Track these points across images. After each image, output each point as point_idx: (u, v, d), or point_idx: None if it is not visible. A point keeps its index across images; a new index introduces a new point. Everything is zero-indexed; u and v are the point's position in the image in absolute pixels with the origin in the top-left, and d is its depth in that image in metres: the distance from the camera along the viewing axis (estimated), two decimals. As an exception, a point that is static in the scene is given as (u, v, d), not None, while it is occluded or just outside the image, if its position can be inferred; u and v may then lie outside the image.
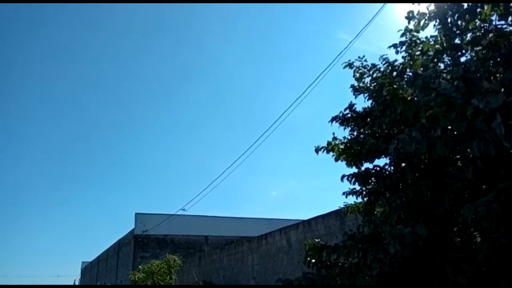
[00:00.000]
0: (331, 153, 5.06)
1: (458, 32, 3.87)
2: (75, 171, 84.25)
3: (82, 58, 67.99)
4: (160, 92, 72.62)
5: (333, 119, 5.13)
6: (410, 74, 4.36)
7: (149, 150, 76.44)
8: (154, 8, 58.11)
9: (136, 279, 17.97)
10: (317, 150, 5.19)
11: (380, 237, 3.88)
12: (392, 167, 4.58)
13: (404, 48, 4.41)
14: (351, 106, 5.06)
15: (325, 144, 5.10)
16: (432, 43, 4.17)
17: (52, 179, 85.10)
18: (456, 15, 3.56)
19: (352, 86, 5.16)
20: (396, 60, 4.66)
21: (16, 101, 71.80)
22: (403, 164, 4.35)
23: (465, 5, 3.47)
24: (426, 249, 3.01)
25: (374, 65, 4.82)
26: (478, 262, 2.90)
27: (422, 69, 3.83)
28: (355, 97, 5.16)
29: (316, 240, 4.85)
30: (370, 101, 4.95)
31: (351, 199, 5.29)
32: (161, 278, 17.80)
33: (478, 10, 3.35)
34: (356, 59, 4.99)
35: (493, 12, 3.42)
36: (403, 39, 4.38)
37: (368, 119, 4.85)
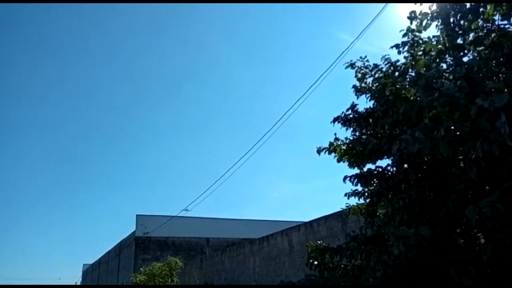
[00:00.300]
0: (333, 154, 5.03)
1: (460, 32, 3.85)
2: (76, 172, 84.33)
3: (83, 58, 68.16)
4: (161, 93, 72.74)
5: (335, 119, 5.10)
6: (413, 74, 4.34)
7: (150, 151, 76.51)
8: (156, 9, 58.31)
9: (138, 281, 17.94)
10: (319, 151, 5.16)
11: (383, 239, 3.85)
12: (394, 168, 4.55)
13: (406, 48, 4.39)
14: (353, 107, 5.04)
15: (327, 145, 5.08)
16: (434, 43, 4.15)
17: (53, 181, 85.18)
18: (459, 15, 3.54)
19: (354, 86, 5.14)
20: (398, 61, 4.64)
21: (17, 102, 71.99)
22: (406, 165, 4.33)
23: (468, 5, 3.46)
24: (430, 250, 2.99)
25: (376, 65, 4.81)
26: (483, 263, 2.87)
27: (424, 69, 3.81)
28: (357, 98, 5.14)
29: (318, 242, 4.82)
30: (372, 102, 4.93)
31: (353, 201, 5.26)
32: (163, 280, 17.76)
33: (481, 10, 3.34)
34: (358, 59, 4.98)
35: (495, 12, 3.40)
36: (405, 39, 4.36)
37: (370, 120, 4.82)
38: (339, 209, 9.96)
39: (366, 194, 4.93)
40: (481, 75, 3.23)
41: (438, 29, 4.07)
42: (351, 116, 5.08)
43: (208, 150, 72.26)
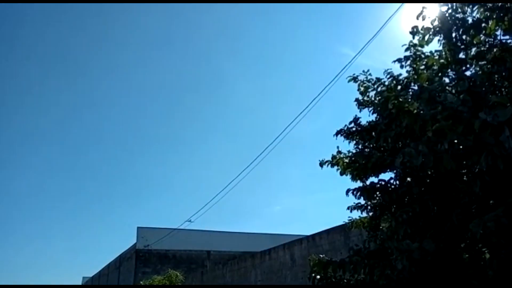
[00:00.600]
0: (335, 167, 5.03)
1: (462, 46, 3.89)
2: (76, 185, 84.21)
3: (84, 70, 68.84)
4: (162, 106, 73.14)
5: (338, 132, 5.12)
6: (415, 88, 4.36)
7: (151, 164, 76.49)
8: (159, 21, 59.03)
9: (138, 294, 17.74)
10: (321, 164, 5.16)
11: (386, 253, 3.82)
12: (397, 181, 4.54)
13: (408, 62, 4.42)
14: (356, 120, 5.06)
15: (329, 158, 5.08)
16: (436, 57, 4.19)
17: (52, 193, 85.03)
18: (461, 30, 3.58)
19: (357, 100, 5.17)
20: (400, 74, 4.67)
21: (19, 112, 72.46)
22: (409, 179, 4.32)
23: (470, 20, 3.50)
24: (434, 265, 2.96)
25: (378, 79, 4.84)
26: (488, 278, 2.84)
27: (427, 83, 3.84)
28: (360, 111, 5.16)
29: (321, 255, 4.78)
30: (375, 115, 4.95)
31: (356, 214, 5.23)
32: (163, 294, 17.57)
33: (483, 25, 3.38)
34: (361, 73, 5.02)
35: (497, 27, 3.44)
36: (408, 53, 4.40)
37: (373, 133, 4.83)
38: (341, 223, 9.90)
39: (369, 207, 4.91)
40: (483, 89, 3.24)
41: (440, 43, 4.11)
42: (354, 129, 5.10)
43: (210, 163, 72.23)
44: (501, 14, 3.44)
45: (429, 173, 3.96)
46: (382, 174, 4.67)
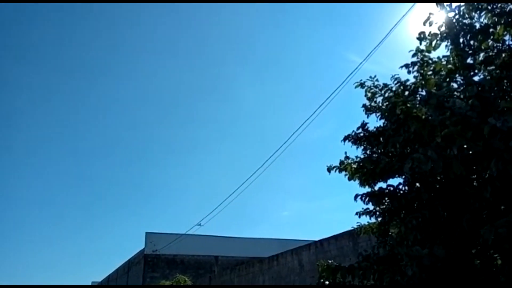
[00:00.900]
0: (343, 173, 5.03)
1: (470, 52, 3.89)
2: (86, 190, 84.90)
3: (96, 77, 69.66)
4: (169, 112, 73.60)
5: (346, 138, 5.12)
6: (423, 93, 4.36)
7: (159, 170, 76.86)
8: (168, 26, 59.58)
9: (146, 300, 17.77)
10: (329, 170, 5.16)
11: (396, 259, 3.80)
12: (406, 187, 4.52)
13: (416, 68, 4.43)
14: (363, 125, 5.06)
15: (337, 164, 5.08)
16: (444, 63, 4.19)
17: (62, 199, 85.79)
18: (468, 35, 3.58)
19: (364, 105, 5.17)
20: (407, 80, 4.68)
21: (35, 118, 73.47)
22: (418, 184, 4.30)
23: (477, 25, 3.50)
24: (445, 271, 2.94)
25: (386, 85, 4.84)
26: (500, 285, 2.81)
27: (435, 88, 3.84)
28: (367, 117, 5.17)
29: (329, 261, 4.76)
30: (382, 121, 4.95)
31: (364, 219, 5.22)
32: (171, 299, 17.58)
33: (491, 30, 3.38)
34: (368, 79, 5.03)
35: (506, 32, 3.44)
36: (415, 59, 4.41)
37: (381, 138, 4.83)
38: (350, 228, 9.85)
39: (378, 213, 4.90)
40: (492, 94, 3.23)
41: (448, 49, 4.11)
42: (361, 134, 5.10)
43: (217, 169, 72.31)
44: (510, 19, 3.44)
45: (438, 178, 3.94)
46: (391, 179, 4.66)
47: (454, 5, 3.86)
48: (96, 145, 76.74)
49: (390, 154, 4.64)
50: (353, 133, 5.11)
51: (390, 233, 4.71)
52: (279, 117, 66.66)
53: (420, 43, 4.12)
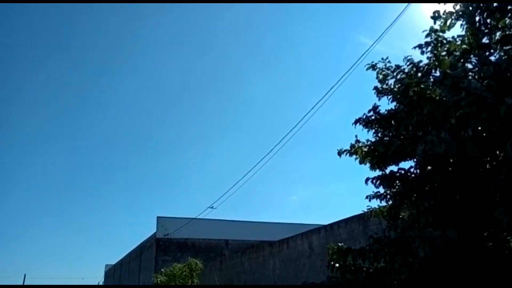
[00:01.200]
0: (354, 156, 5.00)
1: (486, 31, 3.77)
2: (98, 175, 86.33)
3: (106, 69, 69.84)
4: (180, 100, 73.70)
5: (357, 121, 5.07)
6: (436, 74, 4.27)
7: (172, 156, 77.57)
8: (177, 20, 59.16)
9: (159, 281, 18.18)
10: (340, 153, 5.14)
11: (407, 241, 3.80)
12: (417, 170, 4.48)
13: (429, 48, 4.32)
14: (375, 108, 4.99)
15: (347, 147, 5.05)
16: (459, 43, 4.07)
17: (75, 183, 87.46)
18: (485, 13, 3.47)
19: (376, 88, 5.09)
20: (421, 61, 4.58)
21: (46, 109, 74.34)
22: (430, 167, 4.25)
23: (495, 3, 3.38)
24: (457, 253, 2.93)
25: (398, 67, 4.75)
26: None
27: (450, 69, 3.75)
28: (379, 99, 5.09)
29: (340, 244, 4.79)
30: (394, 103, 4.87)
31: (375, 203, 5.21)
32: (183, 281, 17.92)
33: (509, 7, 3.26)
34: (380, 61, 4.93)
35: (524, 9, 3.32)
36: (428, 39, 4.29)
37: (393, 121, 4.77)
38: (360, 212, 9.85)
39: (388, 196, 4.88)
40: (509, 74, 3.15)
41: (463, 28, 3.99)
42: (373, 117, 5.03)
43: (227, 155, 72.65)
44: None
45: (451, 161, 3.89)
46: (402, 162, 4.61)
47: None
48: (110, 133, 77.60)
49: (402, 137, 4.58)
50: (364, 116, 5.06)
51: (400, 216, 4.70)
52: (289, 101, 66.30)
53: (434, 23, 4.01)
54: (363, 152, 4.82)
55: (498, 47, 3.76)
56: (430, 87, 3.33)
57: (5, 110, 72.08)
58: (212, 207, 21.82)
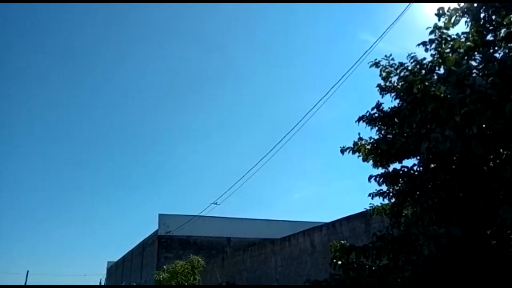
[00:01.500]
0: (357, 154, 4.99)
1: (491, 28, 3.75)
2: (100, 173, 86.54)
3: (102, 60, 69.87)
4: (183, 96, 73.71)
5: (360, 118, 5.06)
6: (440, 72, 4.25)
7: (173, 153, 77.69)
8: (173, 11, 59.10)
9: (161, 279, 18.23)
10: (342, 151, 5.13)
11: (410, 239, 3.79)
12: (421, 168, 4.47)
13: (433, 46, 4.30)
14: (378, 106, 4.98)
15: (350, 145, 5.04)
16: (463, 40, 4.05)
17: (77, 181, 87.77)
18: (491, 10, 3.44)
19: (379, 85, 5.08)
20: (424, 59, 4.56)
21: (46, 108, 74.46)
22: (433, 165, 4.24)
23: None
24: (461, 251, 2.93)
25: (401, 64, 4.73)
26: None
27: (454, 66, 3.73)
28: (382, 97, 5.08)
29: (342, 241, 4.78)
30: (397, 101, 4.86)
31: (377, 201, 5.20)
32: (185, 278, 17.98)
33: (514, 4, 3.24)
34: (383, 58, 4.91)
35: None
36: (432, 36, 4.28)
37: (396, 119, 4.76)
38: (362, 210, 9.84)
39: (391, 194, 4.87)
40: (514, 71, 3.13)
41: (467, 25, 3.97)
42: (376, 115, 5.02)
43: (230, 152, 72.72)
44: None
45: (455, 159, 3.88)
46: (406, 160, 4.60)
47: None
48: (112, 130, 77.68)
49: (405, 135, 4.58)
50: (368, 114, 5.05)
51: (403, 214, 4.70)
52: (291, 99, 66.19)
53: (439, 20, 3.99)
54: (366, 150, 4.81)
55: (503, 44, 3.73)
56: (434, 85, 3.32)
57: (5, 110, 72.29)
58: (216, 203, 21.87)
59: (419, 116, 3.71)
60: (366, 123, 5.07)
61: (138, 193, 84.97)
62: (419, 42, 4.40)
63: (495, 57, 3.52)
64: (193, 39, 64.20)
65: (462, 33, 4.11)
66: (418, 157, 4.45)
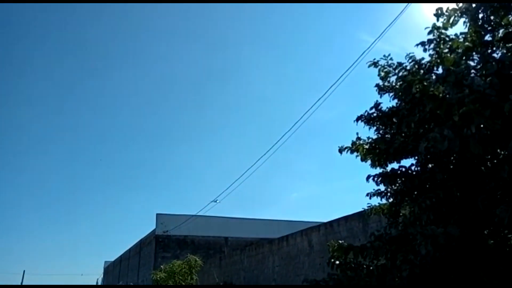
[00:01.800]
0: (355, 154, 4.99)
1: (489, 28, 3.76)
2: (97, 172, 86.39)
3: (104, 59, 69.79)
4: (181, 94, 73.67)
5: (359, 118, 5.06)
6: (439, 72, 4.26)
7: (170, 152, 77.63)
8: (176, 10, 59.04)
9: (158, 278, 18.20)
10: (341, 151, 5.13)
11: (408, 238, 3.80)
12: (419, 167, 4.48)
13: (432, 46, 4.31)
14: (377, 105, 4.99)
15: (348, 145, 5.04)
16: (461, 40, 4.06)
17: (74, 180, 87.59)
18: (489, 10, 3.45)
19: (377, 85, 5.08)
20: (423, 59, 4.57)
21: (46, 108, 74.30)
22: (431, 164, 4.25)
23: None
24: (459, 250, 2.93)
25: (400, 64, 4.74)
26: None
27: (453, 66, 3.74)
28: (380, 97, 5.08)
29: (340, 241, 4.78)
30: (396, 100, 4.87)
31: (375, 201, 5.20)
32: (182, 278, 17.97)
33: (513, 4, 3.25)
34: (382, 58, 4.92)
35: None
36: (431, 36, 4.29)
37: (394, 118, 4.76)
38: (360, 210, 9.85)
39: (389, 194, 4.87)
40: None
41: (466, 25, 3.98)
42: (374, 114, 5.03)
43: (227, 151, 72.72)
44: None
45: (452, 159, 3.89)
46: (404, 160, 4.61)
47: None
48: (109, 130, 77.56)
49: (403, 135, 4.58)
50: (366, 113, 5.05)
51: (401, 213, 4.70)
52: (289, 98, 66.26)
53: (437, 20, 4.00)
54: (365, 150, 4.82)
55: (501, 44, 3.74)
56: (433, 85, 3.32)
57: (5, 110, 72.08)
58: (216, 201, 21.83)
59: (418, 116, 3.72)
60: (365, 123, 5.08)
61: (136, 192, 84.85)
62: (418, 42, 4.42)
63: (494, 57, 3.53)
64: (193, 40, 64.17)
65: (461, 33, 4.12)
66: (416, 157, 4.46)
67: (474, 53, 3.95)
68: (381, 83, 5.05)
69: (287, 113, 64.10)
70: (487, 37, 3.88)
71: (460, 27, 4.07)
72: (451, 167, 3.91)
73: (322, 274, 12.76)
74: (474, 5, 3.60)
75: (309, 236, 14.14)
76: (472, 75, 3.36)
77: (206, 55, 65.16)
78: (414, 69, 4.58)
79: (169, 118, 75.82)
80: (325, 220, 13.91)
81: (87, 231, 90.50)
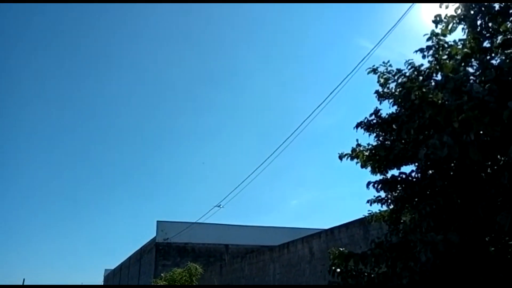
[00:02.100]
0: (355, 160, 4.99)
1: (488, 35, 3.77)
2: (98, 179, 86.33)
3: (101, 62, 70.07)
4: (180, 100, 73.87)
5: (358, 125, 5.06)
6: (438, 78, 4.27)
7: (171, 158, 77.59)
8: (173, 12, 59.44)
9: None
10: (341, 157, 5.13)
11: (408, 246, 3.77)
12: (419, 174, 4.47)
13: (430, 52, 4.32)
14: (376, 112, 4.99)
15: (348, 151, 5.04)
16: (460, 46, 4.07)
17: (74, 187, 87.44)
18: (487, 17, 3.47)
19: (377, 91, 5.09)
20: (422, 65, 4.58)
21: (46, 110, 74.47)
22: (431, 171, 4.24)
23: (497, 6, 3.39)
24: (459, 257, 2.91)
25: (399, 70, 4.75)
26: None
27: (452, 73, 3.75)
28: (380, 103, 5.09)
29: (341, 249, 4.76)
30: (395, 107, 4.87)
31: (376, 207, 5.19)
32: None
33: (511, 11, 3.26)
34: (381, 65, 4.93)
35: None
36: (430, 43, 4.30)
37: (394, 125, 4.77)
38: (360, 216, 9.82)
39: (390, 200, 4.86)
40: (510, 78, 3.14)
41: (464, 32, 3.99)
42: (374, 121, 5.03)
43: (227, 157, 72.69)
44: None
45: (452, 165, 3.88)
46: (404, 166, 4.60)
47: None
48: (109, 135, 77.67)
49: (403, 141, 4.58)
50: (366, 120, 5.05)
51: (402, 220, 4.68)
52: (289, 104, 66.39)
53: (436, 26, 4.01)
54: (365, 156, 4.81)
55: (500, 51, 3.76)
56: (432, 91, 3.33)
57: (5, 109, 72.29)
58: (219, 206, 21.73)
59: (417, 123, 3.72)
60: (364, 130, 5.08)
61: (136, 200, 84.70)
62: (417, 48, 4.43)
63: (492, 63, 3.53)
64: (193, 41, 64.52)
65: (459, 40, 4.13)
66: (416, 164, 4.45)
67: (472, 59, 3.95)
68: (380, 89, 5.06)
69: (286, 119, 64.21)
70: (486, 44, 3.89)
71: (459, 34, 4.09)
72: (451, 173, 3.90)
73: (323, 281, 12.64)
74: (472, 11, 3.62)
75: (310, 243, 14.07)
76: (471, 81, 3.36)
77: (204, 58, 65.49)
78: (413, 75, 4.59)
79: (168, 123, 75.94)
80: (326, 227, 13.86)
81: (87, 239, 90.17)
